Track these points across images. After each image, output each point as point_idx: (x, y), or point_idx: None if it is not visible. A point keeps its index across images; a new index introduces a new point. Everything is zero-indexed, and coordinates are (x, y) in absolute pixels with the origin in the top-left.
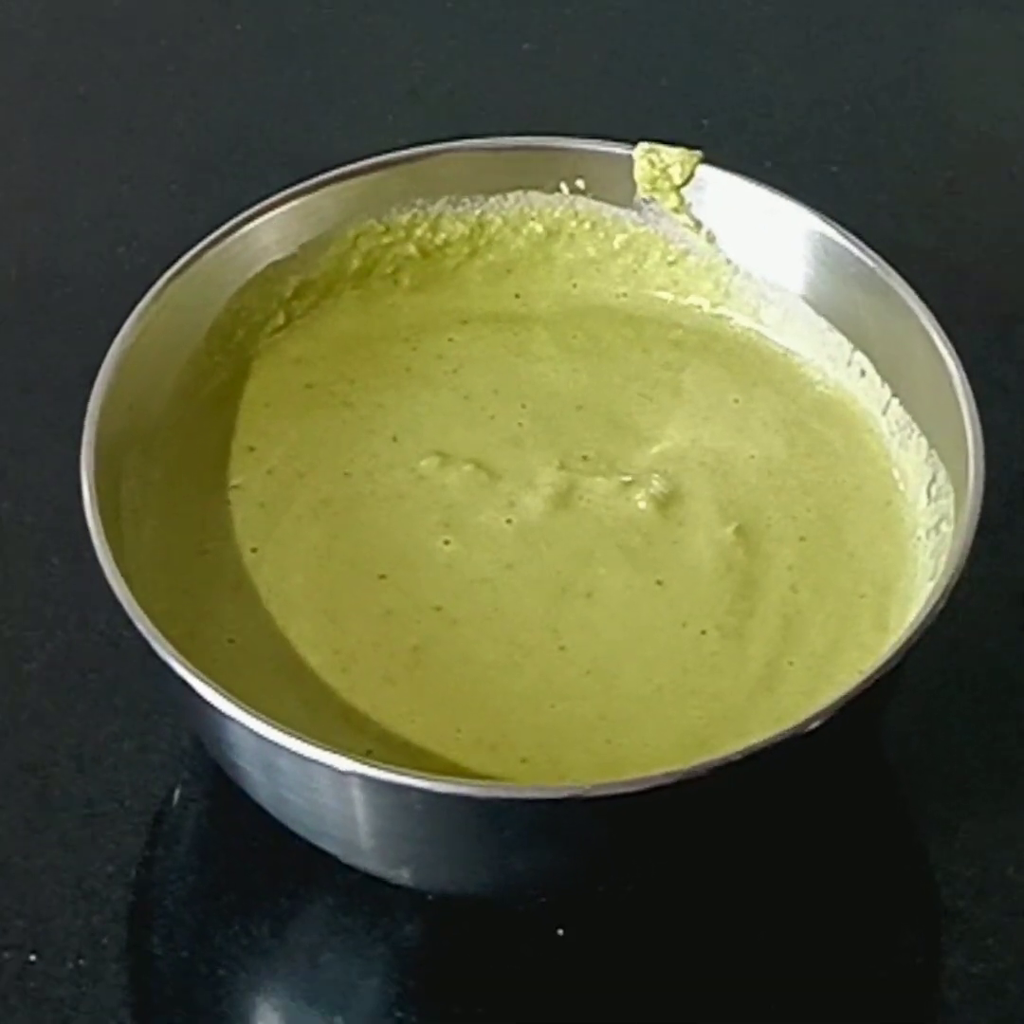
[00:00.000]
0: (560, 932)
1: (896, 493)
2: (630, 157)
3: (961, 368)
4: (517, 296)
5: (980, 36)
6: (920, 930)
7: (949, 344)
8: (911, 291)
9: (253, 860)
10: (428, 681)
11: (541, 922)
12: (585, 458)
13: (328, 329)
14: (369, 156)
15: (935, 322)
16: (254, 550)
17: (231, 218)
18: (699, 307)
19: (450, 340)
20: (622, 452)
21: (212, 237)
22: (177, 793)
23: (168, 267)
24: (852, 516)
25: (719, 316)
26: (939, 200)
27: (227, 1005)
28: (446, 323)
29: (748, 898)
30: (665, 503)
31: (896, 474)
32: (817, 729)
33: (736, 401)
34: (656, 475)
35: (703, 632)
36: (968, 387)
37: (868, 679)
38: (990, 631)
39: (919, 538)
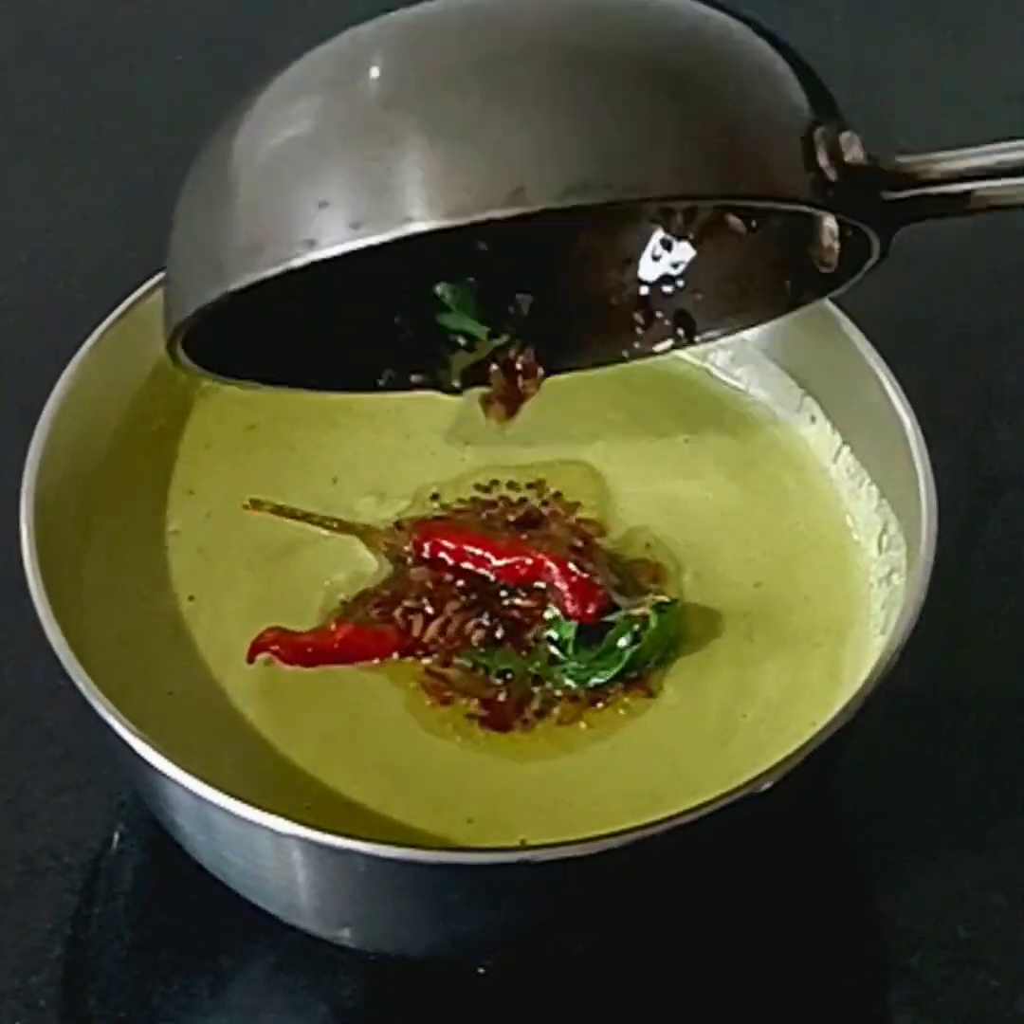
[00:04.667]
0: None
1: (849, 538)
2: None
3: (914, 420)
4: None
5: (925, 59)
6: (870, 987)
7: (902, 394)
8: (863, 336)
9: (192, 917)
10: (368, 738)
11: (483, 982)
12: None
13: None
14: None
15: (887, 370)
16: (191, 598)
17: None
18: None
19: None
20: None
21: (155, 279)
22: (114, 847)
23: (110, 309)
24: (806, 560)
25: (668, 356)
26: None
27: None
28: None
29: (696, 955)
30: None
31: (849, 520)
32: (769, 789)
33: (686, 441)
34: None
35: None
36: (922, 442)
37: (821, 737)
38: (942, 681)
39: (871, 585)
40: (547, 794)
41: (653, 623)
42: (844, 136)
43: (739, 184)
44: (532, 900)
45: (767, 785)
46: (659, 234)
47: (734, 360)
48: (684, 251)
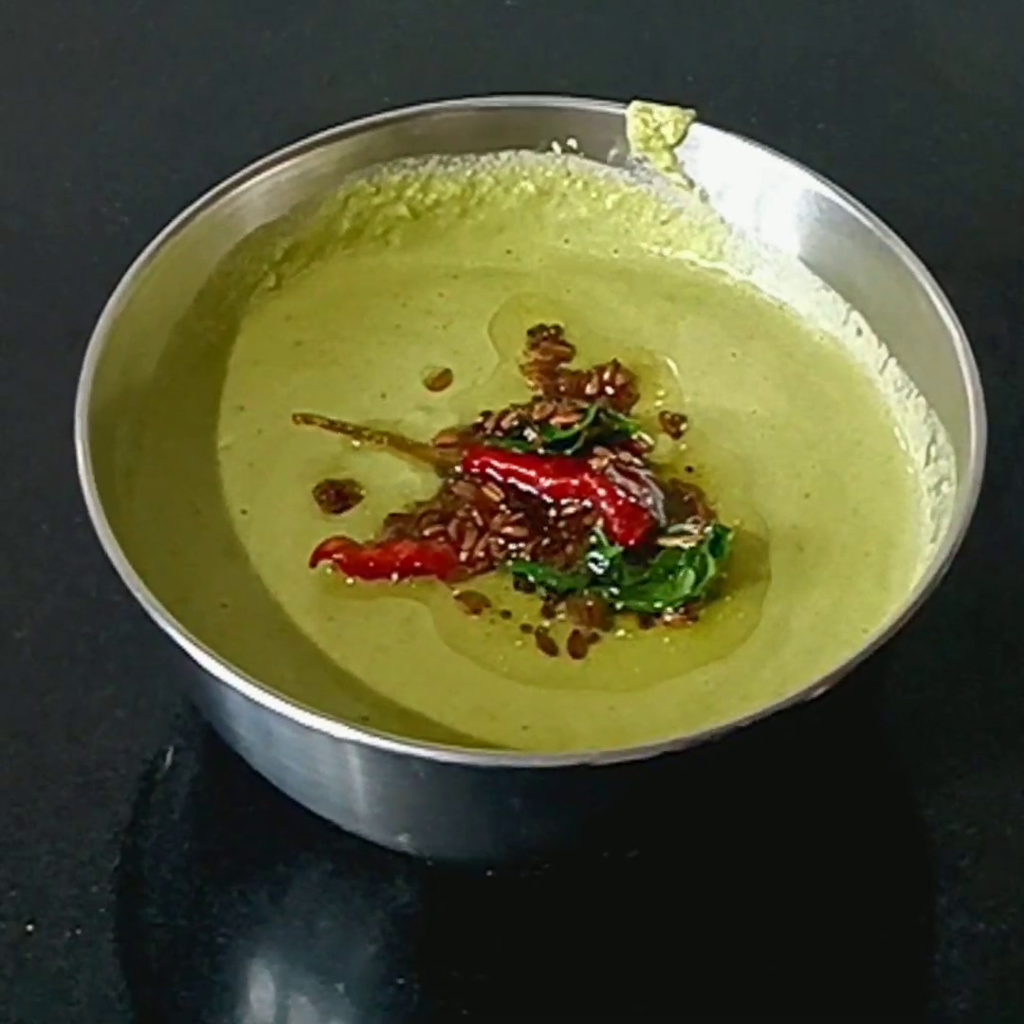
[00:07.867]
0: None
1: (897, 449)
2: (623, 116)
3: (962, 332)
4: (508, 252)
5: None
6: (920, 891)
7: (949, 306)
8: (909, 251)
9: (249, 826)
10: (422, 649)
11: (537, 888)
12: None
13: (318, 287)
14: (352, 112)
15: (934, 283)
16: (244, 512)
17: (213, 176)
18: (692, 262)
19: (440, 295)
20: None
21: (203, 200)
22: (170, 759)
23: (154, 233)
24: (854, 471)
25: (713, 270)
26: (925, 155)
27: (226, 973)
28: (436, 279)
29: (747, 861)
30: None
31: (897, 431)
32: (822, 694)
33: (734, 355)
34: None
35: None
36: (969, 352)
37: (873, 645)
38: (988, 591)
39: (920, 495)
40: (600, 701)
41: (712, 570)
42: None
43: None
44: (588, 804)
45: (819, 692)
46: None
47: (779, 275)
48: None
